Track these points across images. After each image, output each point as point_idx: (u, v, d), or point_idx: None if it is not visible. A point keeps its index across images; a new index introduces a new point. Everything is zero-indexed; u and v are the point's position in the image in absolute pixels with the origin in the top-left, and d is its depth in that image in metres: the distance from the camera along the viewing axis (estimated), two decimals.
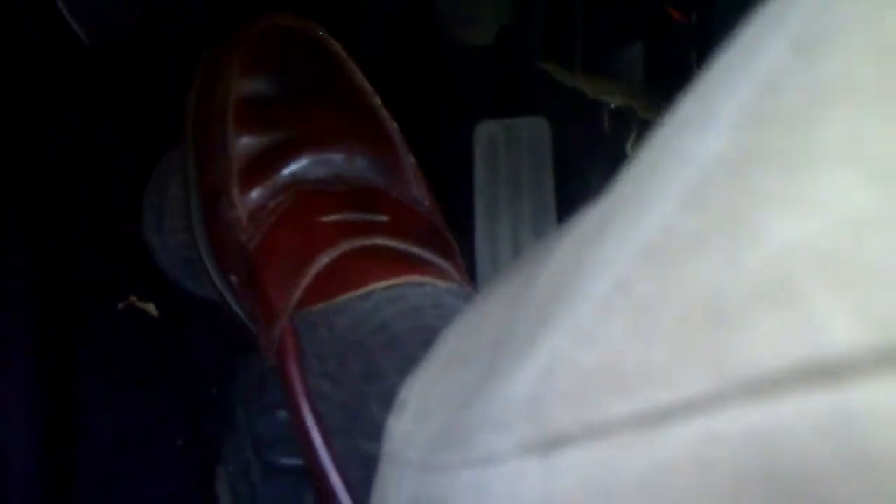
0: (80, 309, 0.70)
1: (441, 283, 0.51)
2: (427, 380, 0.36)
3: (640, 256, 0.21)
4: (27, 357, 0.65)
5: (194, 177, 0.58)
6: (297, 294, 0.51)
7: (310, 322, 0.50)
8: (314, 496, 0.50)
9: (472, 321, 0.36)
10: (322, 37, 0.60)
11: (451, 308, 0.50)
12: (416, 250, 0.53)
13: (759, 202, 0.18)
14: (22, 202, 0.69)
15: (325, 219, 0.53)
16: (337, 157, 0.56)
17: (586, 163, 0.71)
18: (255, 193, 0.55)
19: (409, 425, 0.36)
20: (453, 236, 0.57)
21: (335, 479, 0.47)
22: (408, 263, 0.52)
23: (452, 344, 0.36)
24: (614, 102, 0.67)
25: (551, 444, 0.23)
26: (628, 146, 0.66)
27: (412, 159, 0.58)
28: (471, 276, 0.69)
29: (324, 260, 0.51)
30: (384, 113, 0.59)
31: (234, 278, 0.55)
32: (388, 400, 0.44)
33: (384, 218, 0.54)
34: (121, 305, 0.70)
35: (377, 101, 0.59)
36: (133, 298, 0.70)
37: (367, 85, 0.59)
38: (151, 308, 0.70)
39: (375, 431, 0.44)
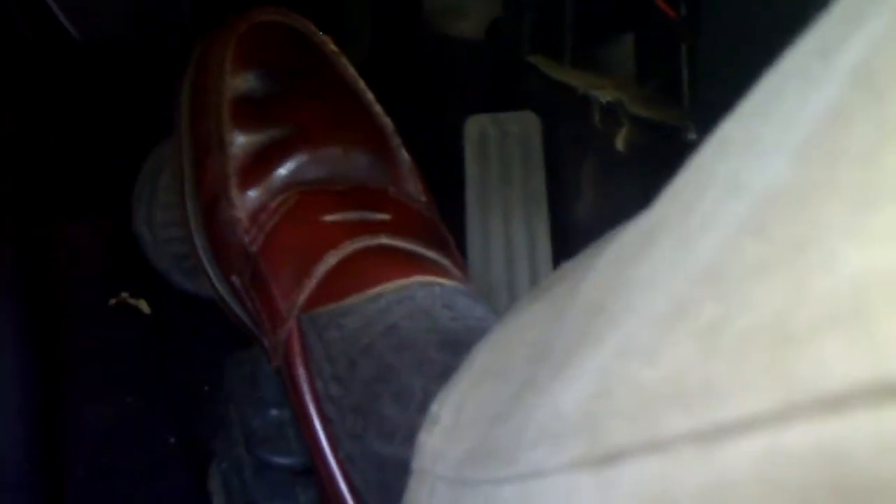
0: (72, 306, 0.70)
1: (448, 283, 0.51)
2: (459, 394, 0.36)
3: (700, 279, 0.22)
4: (18, 354, 0.65)
5: (191, 176, 0.58)
6: (304, 295, 0.51)
7: (318, 324, 0.50)
8: (320, 501, 0.50)
9: (505, 337, 0.36)
10: (312, 32, 0.60)
11: (462, 308, 0.50)
12: (419, 249, 0.53)
13: (828, 232, 0.19)
14: (11, 198, 0.69)
15: (329, 218, 0.53)
16: (333, 154, 0.56)
17: (577, 157, 0.71)
18: (253, 193, 0.55)
19: (440, 440, 0.36)
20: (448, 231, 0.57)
21: (342, 484, 0.47)
22: (414, 263, 0.52)
23: (485, 359, 0.36)
24: (604, 97, 0.67)
25: (607, 459, 0.23)
26: (618, 140, 0.66)
27: (406, 155, 0.58)
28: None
29: (330, 261, 0.51)
30: (377, 108, 0.59)
31: (235, 280, 0.55)
32: (400, 399, 0.44)
33: (385, 216, 0.54)
34: (112, 302, 0.70)
35: (370, 96, 0.59)
36: (125, 295, 0.70)
37: (359, 80, 0.59)
38: (143, 305, 0.70)
39: (387, 431, 0.44)
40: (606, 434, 0.24)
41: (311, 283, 0.51)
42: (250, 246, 0.53)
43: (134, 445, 0.66)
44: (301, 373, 0.50)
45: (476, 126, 0.72)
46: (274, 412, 0.56)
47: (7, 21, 0.70)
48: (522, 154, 0.72)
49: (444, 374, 0.39)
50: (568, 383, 0.26)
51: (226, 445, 0.59)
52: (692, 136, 0.61)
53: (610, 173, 0.69)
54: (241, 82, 0.58)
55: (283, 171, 0.55)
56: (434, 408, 0.37)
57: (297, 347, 0.50)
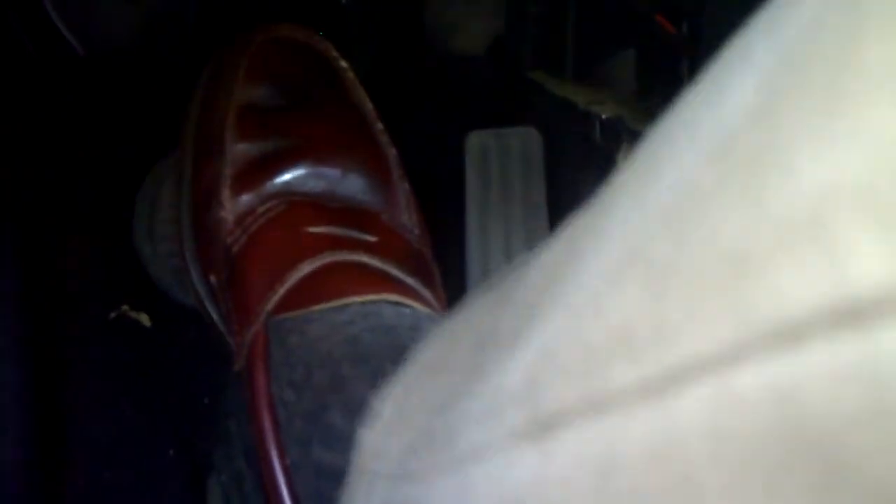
0: (73, 318, 0.70)
1: (419, 307, 0.51)
2: (401, 389, 0.36)
3: (654, 223, 0.20)
4: (19, 367, 0.65)
5: (189, 177, 0.59)
6: (275, 299, 0.51)
7: (283, 329, 0.51)
8: None
9: (449, 331, 0.35)
10: (330, 53, 0.60)
11: (427, 332, 0.50)
12: (397, 273, 0.53)
13: (788, 143, 0.17)
14: (14, 211, 0.69)
15: (312, 229, 0.53)
16: (332, 173, 0.57)
17: (578, 173, 0.71)
18: (245, 197, 0.55)
19: (381, 436, 0.35)
20: (444, 255, 0.57)
21: (284, 492, 0.47)
22: (387, 282, 0.52)
23: (428, 354, 0.36)
24: (606, 112, 0.67)
25: (548, 425, 0.22)
26: (620, 156, 0.66)
27: (407, 186, 0.58)
28: (461, 284, 0.69)
29: (305, 269, 0.51)
30: (384, 137, 0.59)
31: (213, 279, 0.55)
32: (350, 409, 0.44)
33: (371, 238, 0.54)
34: (113, 315, 0.70)
35: (378, 123, 0.59)
36: (125, 308, 0.70)
37: (369, 105, 0.59)
38: (144, 318, 0.70)
39: (333, 440, 0.44)
40: (547, 399, 0.22)
41: (282, 289, 0.51)
42: (232, 247, 0.53)
43: (134, 458, 0.66)
44: (260, 376, 0.50)
45: (477, 141, 0.73)
46: None
47: (10, 35, 0.70)
48: (523, 170, 0.72)
49: None
50: (512, 359, 0.24)
51: (226, 459, 0.59)
52: None
53: None
54: (251, 92, 0.58)
55: (278, 180, 0.55)
56: (376, 404, 0.37)
57: (260, 351, 0.51)
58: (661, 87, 0.67)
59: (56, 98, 0.74)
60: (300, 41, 0.60)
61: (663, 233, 0.20)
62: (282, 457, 0.48)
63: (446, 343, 0.35)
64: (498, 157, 0.72)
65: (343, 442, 0.43)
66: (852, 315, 0.15)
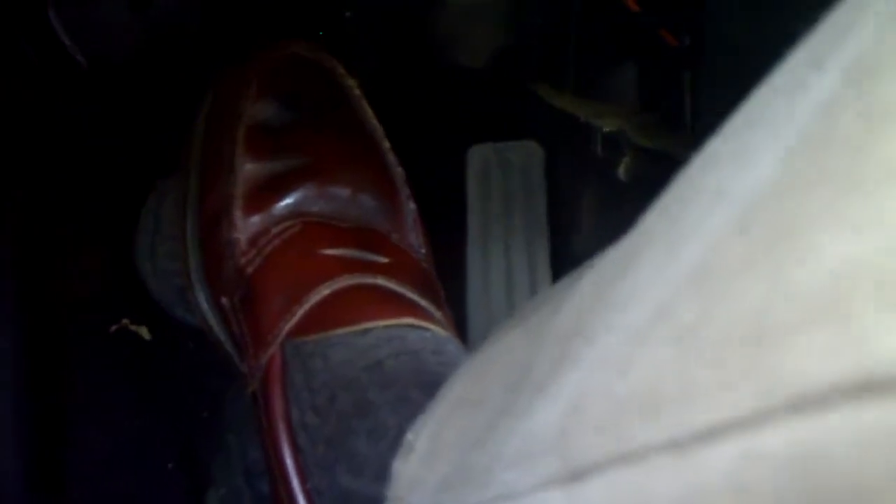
0: (74, 331, 0.70)
1: (438, 330, 0.51)
2: (436, 422, 0.36)
3: (682, 285, 0.21)
4: (19, 379, 0.65)
5: (196, 196, 0.58)
6: (292, 322, 0.51)
7: (303, 352, 0.50)
8: None
9: (481, 364, 0.36)
10: (338, 71, 0.60)
11: (451, 356, 0.50)
12: (412, 295, 0.53)
13: (810, 223, 0.18)
14: (15, 224, 0.69)
15: (328, 252, 0.53)
16: (341, 194, 0.56)
17: (579, 187, 0.71)
18: (257, 218, 0.55)
19: (416, 468, 0.36)
20: (445, 270, 0.57)
21: None
22: (407, 307, 0.52)
23: (461, 387, 0.36)
24: (607, 126, 0.67)
25: (577, 474, 0.23)
26: (620, 170, 0.66)
27: (413, 206, 0.58)
28: (462, 298, 0.69)
29: (324, 291, 0.51)
30: (391, 156, 0.59)
31: (225, 301, 0.55)
32: (375, 435, 0.44)
33: (385, 259, 0.54)
34: (114, 328, 0.70)
35: (386, 143, 0.59)
36: (126, 321, 0.70)
37: (377, 125, 0.59)
38: (144, 331, 0.70)
39: (359, 465, 0.44)
40: (578, 449, 0.23)
41: (300, 311, 0.51)
42: (246, 268, 0.53)
43: (133, 470, 0.66)
44: (277, 399, 0.50)
45: (478, 155, 0.73)
46: None
47: (14, 49, 0.70)
48: (524, 183, 0.72)
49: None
50: (544, 406, 0.25)
51: (224, 473, 0.59)
52: None
53: (612, 203, 0.69)
54: (261, 111, 0.58)
55: (289, 200, 0.55)
56: (409, 437, 0.37)
57: (277, 373, 0.50)
58: (663, 101, 0.67)
59: (60, 110, 0.74)
60: (308, 59, 0.60)
61: (691, 295, 0.21)
62: (303, 481, 0.48)
63: (478, 378, 0.35)
64: (499, 170, 0.72)
65: (369, 468, 0.43)
66: (871, 388, 0.16)
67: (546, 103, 0.72)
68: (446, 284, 0.58)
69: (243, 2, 0.74)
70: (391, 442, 0.42)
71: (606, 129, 0.67)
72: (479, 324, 0.68)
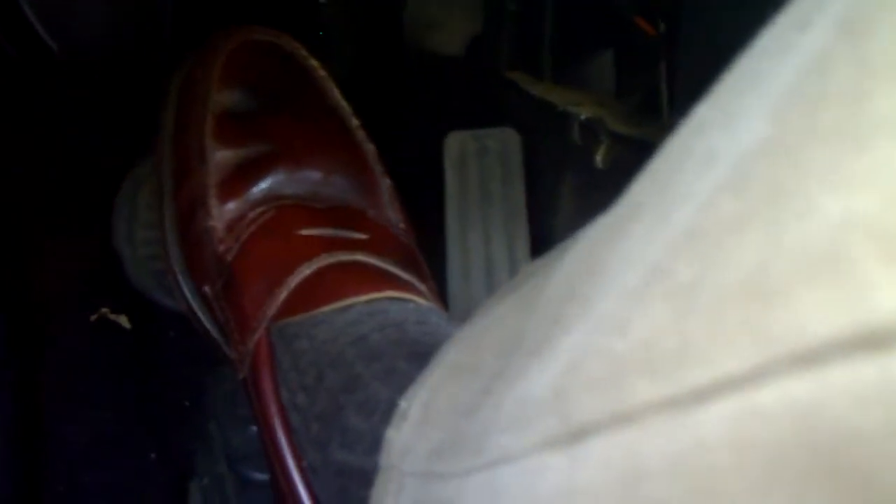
0: (53, 321, 0.70)
1: (421, 301, 0.52)
2: (428, 390, 0.36)
3: (676, 245, 0.21)
4: None
5: (170, 187, 0.58)
6: (276, 305, 0.51)
7: (288, 334, 0.51)
8: None
9: (474, 332, 0.36)
10: (301, 54, 0.60)
11: (435, 325, 0.50)
12: (394, 269, 0.53)
13: (806, 180, 0.18)
14: None
15: (305, 232, 0.53)
16: (314, 175, 0.57)
17: (556, 173, 0.71)
18: (232, 205, 0.55)
19: (409, 436, 0.36)
20: (424, 256, 0.57)
21: (303, 494, 0.48)
22: (388, 280, 0.52)
23: (454, 355, 0.36)
24: (584, 113, 0.67)
25: (577, 434, 0.23)
26: (598, 157, 0.66)
27: (388, 181, 0.58)
28: (441, 285, 0.69)
29: (304, 272, 0.51)
30: (361, 133, 0.59)
31: (207, 289, 0.55)
32: (366, 409, 0.44)
33: (363, 236, 0.54)
34: (93, 317, 0.70)
35: (355, 120, 0.59)
36: (105, 311, 0.70)
37: (344, 104, 0.59)
38: (124, 320, 0.70)
39: (352, 440, 0.44)
40: (576, 409, 0.23)
41: (282, 294, 0.51)
42: (225, 255, 0.53)
43: (114, 461, 0.66)
44: (267, 382, 0.50)
45: (456, 142, 0.73)
46: (255, 429, 0.56)
47: None
48: (502, 170, 0.72)
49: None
50: (539, 368, 0.25)
51: (207, 462, 0.59)
52: None
53: (589, 189, 0.69)
54: (227, 98, 0.58)
55: (262, 185, 0.55)
56: (402, 405, 0.37)
57: (264, 357, 0.51)
58: (640, 89, 0.68)
59: (33, 99, 0.73)
60: (269, 43, 0.60)
61: (687, 254, 0.21)
62: (298, 460, 0.48)
63: (471, 346, 0.35)
64: (476, 157, 0.72)
65: (362, 441, 0.43)
66: (871, 341, 0.16)
67: (523, 91, 0.72)
68: None
69: None
70: (383, 414, 0.42)
71: (584, 117, 0.67)
72: (460, 312, 0.68)
